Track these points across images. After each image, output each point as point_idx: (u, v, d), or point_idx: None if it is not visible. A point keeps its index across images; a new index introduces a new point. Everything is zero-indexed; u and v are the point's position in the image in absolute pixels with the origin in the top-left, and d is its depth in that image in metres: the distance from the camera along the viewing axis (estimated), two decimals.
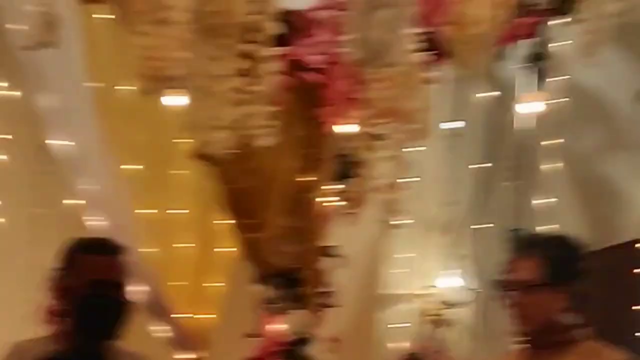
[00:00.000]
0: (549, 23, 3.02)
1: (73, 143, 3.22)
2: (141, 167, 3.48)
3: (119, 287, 2.80)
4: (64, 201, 3.59)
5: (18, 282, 3.70)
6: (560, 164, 3.79)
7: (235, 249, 3.47)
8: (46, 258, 3.65)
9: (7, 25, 2.94)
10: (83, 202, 3.32)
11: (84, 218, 3.34)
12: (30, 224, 3.74)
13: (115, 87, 3.35)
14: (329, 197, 2.99)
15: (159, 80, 2.21)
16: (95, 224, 3.33)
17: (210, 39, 2.25)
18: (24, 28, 2.91)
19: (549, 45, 3.24)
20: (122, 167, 3.41)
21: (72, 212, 3.58)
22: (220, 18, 2.19)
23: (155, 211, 3.54)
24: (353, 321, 3.61)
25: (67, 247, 2.87)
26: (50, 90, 3.14)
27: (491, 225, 3.87)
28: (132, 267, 3.22)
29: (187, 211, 3.58)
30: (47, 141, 3.30)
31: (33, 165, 3.71)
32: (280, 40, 2.35)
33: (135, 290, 3.36)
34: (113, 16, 3.20)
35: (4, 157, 3.70)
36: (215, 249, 3.61)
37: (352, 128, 2.53)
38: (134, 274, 3.33)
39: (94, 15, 3.22)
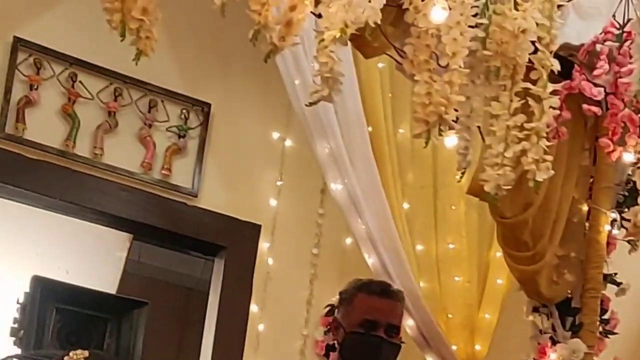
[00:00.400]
0: None
1: (351, 185, 3.33)
2: (416, 205, 3.56)
3: (390, 329, 2.87)
4: (346, 240, 3.79)
5: (299, 316, 3.93)
6: None
7: (508, 281, 3.52)
8: (324, 295, 3.88)
9: (296, 82, 3.11)
10: (361, 241, 3.42)
11: (364, 256, 3.44)
12: (310, 264, 3.98)
13: (397, 130, 3.45)
14: (609, 225, 2.96)
15: (437, 124, 2.27)
16: (373, 261, 3.43)
17: (489, 80, 2.30)
18: (300, 82, 3.16)
19: None
20: (399, 205, 3.49)
21: (350, 251, 3.78)
22: (500, 60, 2.25)
23: (427, 247, 3.61)
24: (635, 348, 3.53)
25: (348, 286, 2.97)
26: (328, 137, 3.28)
27: None
28: (407, 306, 3.31)
29: (456, 246, 3.63)
30: (328, 184, 3.42)
31: (314, 207, 3.95)
32: (561, 74, 2.36)
33: (410, 325, 3.48)
34: (383, 64, 3.39)
35: (275, 201, 3.94)
36: (489, 282, 3.63)
37: (633, 156, 2.51)
38: (410, 308, 3.44)
39: (380, 66, 3.36)
